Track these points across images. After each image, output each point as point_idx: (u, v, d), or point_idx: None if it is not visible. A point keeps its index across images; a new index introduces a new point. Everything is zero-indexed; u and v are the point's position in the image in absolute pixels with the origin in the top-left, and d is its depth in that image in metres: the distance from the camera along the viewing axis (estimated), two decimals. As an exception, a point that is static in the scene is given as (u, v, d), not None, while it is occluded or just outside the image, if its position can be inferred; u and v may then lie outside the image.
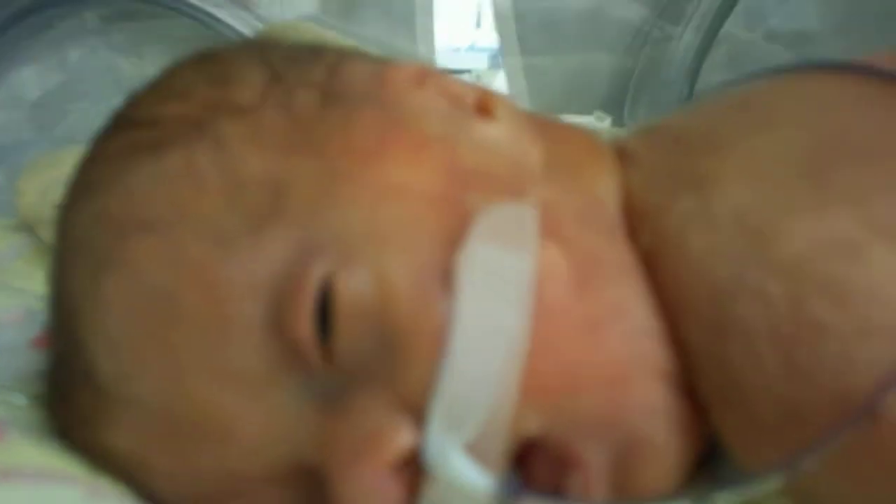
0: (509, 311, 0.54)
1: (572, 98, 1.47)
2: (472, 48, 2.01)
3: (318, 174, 0.58)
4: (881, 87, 0.63)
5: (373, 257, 0.55)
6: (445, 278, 0.55)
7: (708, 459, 0.60)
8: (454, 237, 0.56)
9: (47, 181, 0.98)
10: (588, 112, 1.27)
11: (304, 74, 0.63)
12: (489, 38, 1.86)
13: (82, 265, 0.60)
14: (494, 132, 0.63)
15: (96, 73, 1.41)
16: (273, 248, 0.56)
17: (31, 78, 1.43)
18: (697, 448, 0.59)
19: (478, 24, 2.03)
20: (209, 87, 0.63)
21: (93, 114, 1.45)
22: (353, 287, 0.54)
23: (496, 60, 1.84)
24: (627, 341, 0.58)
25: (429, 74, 0.65)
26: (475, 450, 0.53)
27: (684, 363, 0.58)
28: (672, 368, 0.58)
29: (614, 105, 1.46)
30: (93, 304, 0.58)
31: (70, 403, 0.61)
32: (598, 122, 1.17)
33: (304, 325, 0.54)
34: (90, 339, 0.58)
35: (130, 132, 0.63)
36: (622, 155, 0.67)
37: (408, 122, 0.61)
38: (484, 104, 0.64)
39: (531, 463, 0.57)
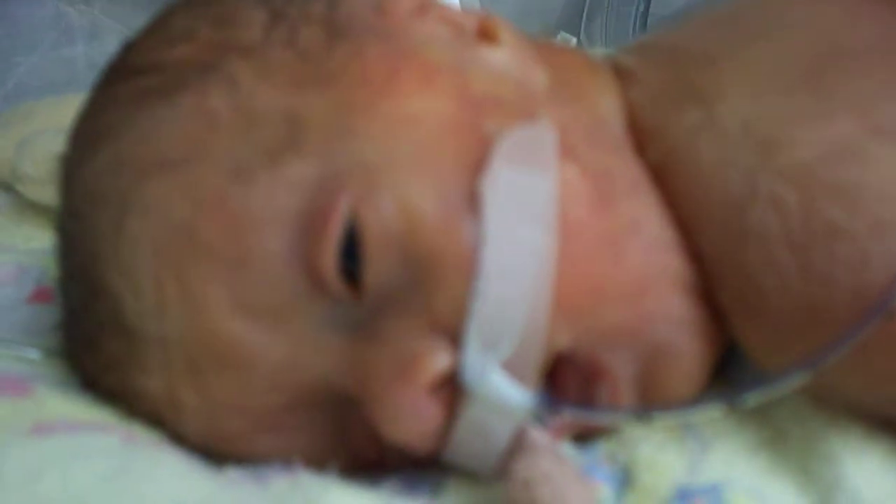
0: (536, 230, 0.55)
1: (528, 18, 1.46)
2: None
3: (333, 107, 0.58)
4: None
5: (396, 186, 0.56)
6: (469, 202, 0.56)
7: (726, 363, 0.62)
8: (474, 162, 0.57)
9: (21, 135, 0.96)
10: (548, 34, 1.27)
11: (305, 10, 0.63)
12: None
13: (102, 211, 0.59)
14: (500, 57, 0.64)
15: (44, 24, 1.38)
16: (292, 180, 0.56)
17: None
18: (717, 353, 0.61)
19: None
20: (212, 29, 0.63)
21: (44, 65, 1.42)
22: (380, 217, 0.55)
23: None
24: (646, 253, 0.60)
25: (428, 4, 0.65)
26: (510, 367, 0.54)
27: (702, 271, 0.60)
28: (690, 277, 0.60)
29: (570, 24, 1.46)
30: (117, 247, 0.58)
31: (96, 350, 0.61)
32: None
33: (332, 260, 0.55)
34: (116, 281, 0.58)
35: (136, 79, 0.62)
36: (619, 73, 0.68)
37: (415, 52, 0.61)
38: (486, 29, 0.65)
39: (560, 377, 0.58)
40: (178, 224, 0.57)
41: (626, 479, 0.58)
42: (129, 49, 0.66)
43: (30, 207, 0.94)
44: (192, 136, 0.58)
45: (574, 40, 1.22)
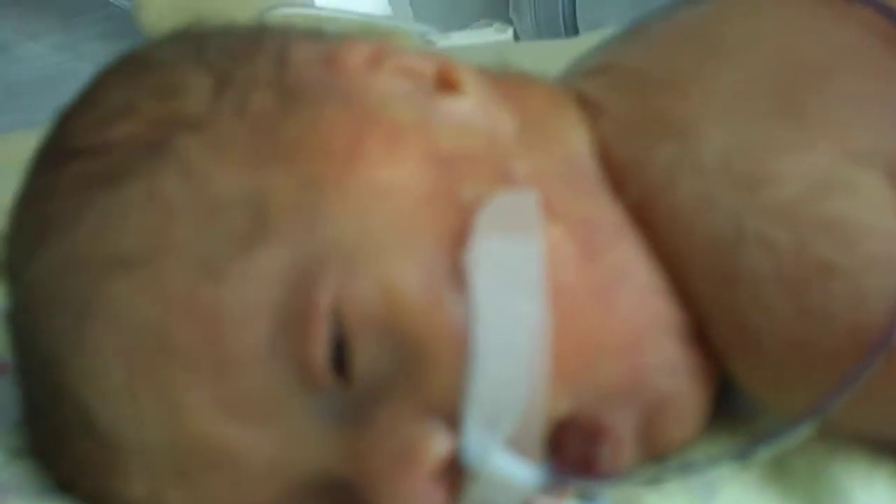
0: (527, 301, 0.53)
1: (456, 5, 1.43)
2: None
3: (297, 185, 0.54)
4: (829, 3, 0.63)
5: (375, 267, 0.53)
6: (454, 277, 0.53)
7: (721, 395, 0.61)
8: (455, 233, 0.54)
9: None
10: (481, 21, 1.24)
11: (252, 71, 0.59)
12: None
13: (60, 313, 0.55)
14: (464, 107, 0.60)
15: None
16: (265, 270, 0.53)
17: None
18: (715, 390, 0.60)
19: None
20: (153, 100, 0.58)
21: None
22: (363, 303, 0.52)
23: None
24: (636, 302, 0.58)
25: (383, 54, 0.61)
26: (512, 442, 0.53)
27: (691, 313, 0.58)
28: (681, 320, 0.58)
29: (498, 9, 1.42)
30: (79, 353, 0.55)
31: (69, 454, 0.57)
32: (498, 34, 1.14)
33: (322, 355, 0.52)
34: (81, 388, 0.55)
35: (77, 163, 0.58)
36: (583, 102, 0.65)
37: (376, 114, 0.58)
38: (445, 76, 0.61)
39: (561, 437, 0.57)
40: (146, 328, 0.53)
41: (636, 533, 0.57)
42: (64, 126, 0.61)
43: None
44: (149, 229, 0.54)
45: (510, 30, 1.18)
